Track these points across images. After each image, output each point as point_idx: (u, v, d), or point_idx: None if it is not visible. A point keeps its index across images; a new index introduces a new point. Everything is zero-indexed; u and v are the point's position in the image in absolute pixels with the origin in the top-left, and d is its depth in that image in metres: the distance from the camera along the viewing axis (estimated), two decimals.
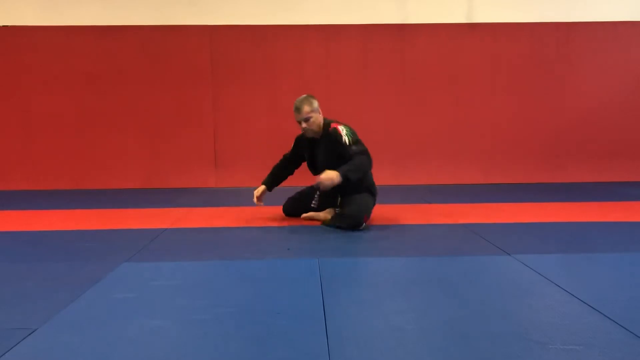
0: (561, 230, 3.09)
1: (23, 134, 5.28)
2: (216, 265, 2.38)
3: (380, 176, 5.31)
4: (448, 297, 1.91)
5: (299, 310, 1.76)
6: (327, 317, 1.69)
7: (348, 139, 3.09)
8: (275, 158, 3.57)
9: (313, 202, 3.41)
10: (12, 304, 1.86)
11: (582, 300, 1.83)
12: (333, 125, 3.19)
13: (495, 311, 1.75)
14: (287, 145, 3.52)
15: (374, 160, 3.15)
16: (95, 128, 5.31)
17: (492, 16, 5.37)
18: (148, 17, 5.25)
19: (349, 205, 3.09)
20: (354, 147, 3.07)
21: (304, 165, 3.45)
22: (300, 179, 3.63)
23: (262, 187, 3.44)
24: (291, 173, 3.53)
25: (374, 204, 3.25)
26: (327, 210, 3.30)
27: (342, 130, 3.12)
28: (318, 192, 3.35)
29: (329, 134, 3.17)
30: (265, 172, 3.53)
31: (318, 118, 3.21)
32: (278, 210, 3.60)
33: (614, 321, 1.64)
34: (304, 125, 3.19)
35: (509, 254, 2.48)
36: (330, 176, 2.96)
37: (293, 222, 3.35)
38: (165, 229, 3.16)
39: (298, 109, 3.19)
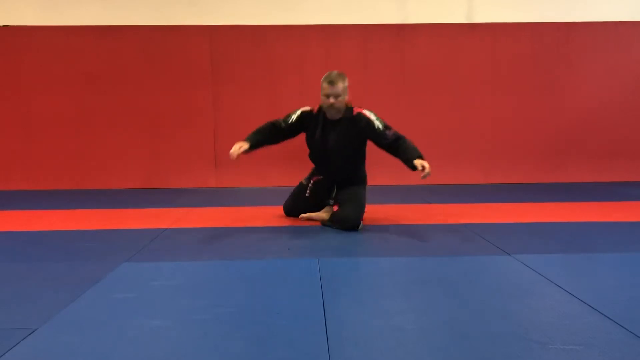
0: (561, 230, 3.09)
1: (23, 134, 5.28)
2: (216, 265, 2.38)
3: (380, 176, 5.33)
4: (448, 297, 1.91)
5: (299, 310, 1.76)
6: (327, 317, 1.69)
7: (380, 124, 3.01)
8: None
9: (307, 191, 3.29)
10: (12, 304, 1.86)
11: (582, 300, 1.83)
12: (357, 109, 3.06)
13: (495, 311, 1.75)
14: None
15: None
16: (95, 128, 5.31)
17: (492, 16, 5.37)
18: (148, 17, 5.25)
19: (346, 207, 3.07)
20: (389, 132, 3.00)
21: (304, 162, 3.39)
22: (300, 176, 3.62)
23: (246, 144, 3.03)
24: (276, 143, 3.24)
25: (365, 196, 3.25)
26: (326, 209, 3.29)
27: (371, 115, 3.03)
28: (312, 182, 3.29)
29: (353, 119, 3.04)
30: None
31: (345, 98, 3.05)
32: (278, 210, 3.60)
33: (614, 321, 1.64)
34: (331, 100, 2.98)
35: (509, 254, 2.48)
36: (427, 164, 2.85)
37: (293, 222, 3.34)
38: (165, 229, 3.16)
39: (332, 82, 2.97)
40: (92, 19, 5.22)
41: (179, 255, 2.55)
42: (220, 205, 4.18)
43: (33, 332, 1.59)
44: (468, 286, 2.03)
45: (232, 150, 2.95)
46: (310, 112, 3.15)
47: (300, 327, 1.62)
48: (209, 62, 5.30)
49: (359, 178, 3.23)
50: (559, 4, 5.37)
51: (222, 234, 3.03)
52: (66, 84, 5.25)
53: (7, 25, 5.19)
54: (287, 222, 3.36)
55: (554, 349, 1.45)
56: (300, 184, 3.41)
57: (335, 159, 3.17)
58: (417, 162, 2.89)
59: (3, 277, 2.20)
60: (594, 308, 1.75)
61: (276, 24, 5.28)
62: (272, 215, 3.56)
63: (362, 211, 3.10)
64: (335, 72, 3.04)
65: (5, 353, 1.45)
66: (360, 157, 3.26)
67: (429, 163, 2.90)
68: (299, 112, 3.15)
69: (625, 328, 1.58)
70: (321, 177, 3.28)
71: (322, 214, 3.29)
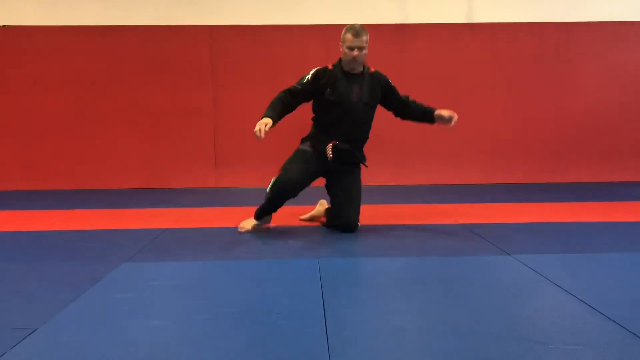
0: (561, 230, 3.09)
1: (23, 134, 5.28)
2: (216, 265, 2.38)
3: (381, 176, 5.34)
4: (448, 297, 1.91)
5: (299, 310, 1.76)
6: (327, 317, 1.69)
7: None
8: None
9: (329, 154, 2.99)
10: (12, 304, 1.86)
11: (582, 300, 1.83)
12: (372, 68, 3.07)
13: (495, 311, 1.75)
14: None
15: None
16: (95, 128, 5.30)
17: (492, 16, 5.36)
18: (148, 17, 5.25)
19: (345, 209, 3.03)
20: (398, 93, 3.12)
21: None
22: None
23: (270, 120, 2.78)
24: (293, 109, 3.02)
25: None
26: (320, 202, 3.32)
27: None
28: (331, 146, 2.99)
29: (374, 75, 3.03)
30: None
31: (366, 52, 2.95)
32: (278, 210, 3.59)
33: (614, 321, 1.64)
34: (356, 53, 2.87)
35: (509, 254, 2.48)
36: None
37: (293, 222, 3.34)
38: (165, 229, 3.16)
39: (358, 34, 2.86)
40: (92, 19, 5.22)
41: (179, 255, 2.55)
42: (220, 205, 4.18)
43: (33, 332, 1.59)
44: (468, 286, 2.03)
45: (256, 129, 2.70)
46: (325, 68, 2.99)
47: (300, 327, 1.62)
48: (209, 62, 5.30)
49: (362, 156, 3.15)
50: (559, 4, 5.37)
51: (222, 234, 3.03)
52: (66, 84, 5.25)
53: (6, 25, 5.19)
54: (287, 222, 3.36)
55: (554, 349, 1.45)
56: (302, 151, 3.08)
57: (359, 116, 3.01)
58: (441, 111, 3.02)
59: (3, 277, 2.20)
60: (594, 308, 1.75)
61: (276, 24, 5.28)
62: (271, 215, 3.55)
63: (359, 211, 3.09)
64: (357, 24, 2.96)
65: (5, 353, 1.45)
66: (371, 121, 3.16)
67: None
68: (313, 71, 2.97)
69: (625, 328, 1.58)
70: (336, 142, 3.02)
71: (320, 209, 3.30)
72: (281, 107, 2.90)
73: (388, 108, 3.20)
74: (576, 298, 1.86)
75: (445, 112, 3.04)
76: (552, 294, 1.93)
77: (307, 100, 3.04)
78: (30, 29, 5.19)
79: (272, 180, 3.00)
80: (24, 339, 1.54)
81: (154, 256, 2.53)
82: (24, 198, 4.67)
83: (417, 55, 5.35)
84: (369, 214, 3.37)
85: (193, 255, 2.55)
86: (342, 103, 2.95)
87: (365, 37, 2.90)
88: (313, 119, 3.14)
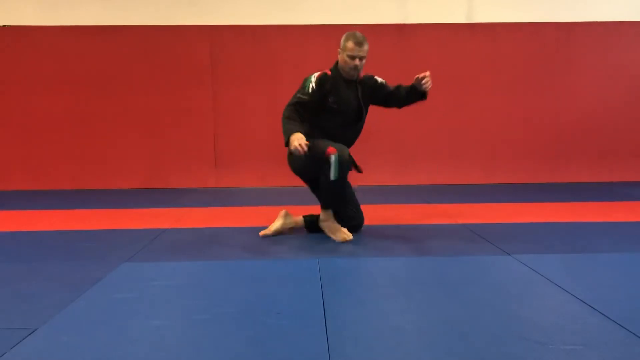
0: (561, 230, 3.09)
1: (23, 134, 5.28)
2: (216, 265, 2.38)
3: (381, 176, 5.34)
4: (448, 297, 1.91)
5: (299, 310, 1.76)
6: (327, 317, 1.70)
7: (379, 79, 3.09)
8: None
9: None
10: (12, 304, 1.86)
11: (582, 300, 1.83)
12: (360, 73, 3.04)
13: (495, 311, 1.75)
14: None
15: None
16: (95, 128, 5.30)
17: (492, 16, 5.36)
18: (148, 17, 5.25)
19: (351, 211, 3.00)
20: (389, 86, 3.08)
21: None
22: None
23: (301, 134, 2.63)
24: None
25: None
26: (281, 213, 3.06)
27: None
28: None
29: (364, 80, 3.02)
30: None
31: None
32: (278, 210, 3.59)
33: (614, 321, 1.64)
34: (357, 62, 2.84)
35: (509, 254, 2.48)
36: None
37: None
38: (165, 229, 3.16)
39: (360, 43, 2.83)
40: (92, 19, 5.22)
41: (179, 255, 2.55)
42: (220, 205, 4.18)
43: (33, 332, 1.59)
44: (468, 286, 2.03)
45: (295, 146, 2.55)
46: (325, 74, 2.90)
47: (300, 327, 1.62)
48: (209, 62, 5.30)
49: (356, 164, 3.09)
50: (559, 4, 5.36)
51: (222, 234, 3.03)
52: (66, 84, 5.25)
53: (6, 25, 5.19)
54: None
55: (554, 349, 1.45)
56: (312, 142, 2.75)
57: (356, 122, 3.01)
58: (418, 76, 2.95)
59: (3, 277, 2.20)
60: (594, 308, 1.75)
61: (276, 24, 5.28)
62: (272, 215, 3.55)
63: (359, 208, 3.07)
64: (358, 32, 2.91)
65: (5, 353, 1.45)
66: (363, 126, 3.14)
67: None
68: (314, 79, 2.85)
69: (625, 328, 1.58)
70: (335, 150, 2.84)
71: (288, 221, 3.03)
72: (300, 121, 2.77)
73: (385, 105, 3.18)
74: (576, 298, 1.86)
75: (420, 76, 2.97)
76: (552, 294, 1.93)
77: (316, 106, 2.90)
78: (30, 29, 5.19)
79: (333, 160, 2.65)
80: (24, 339, 1.54)
81: (154, 256, 2.53)
82: (24, 198, 4.68)
83: (417, 55, 5.35)
84: (369, 213, 3.37)
85: (193, 255, 2.55)
86: (343, 111, 2.92)
87: (366, 47, 2.87)
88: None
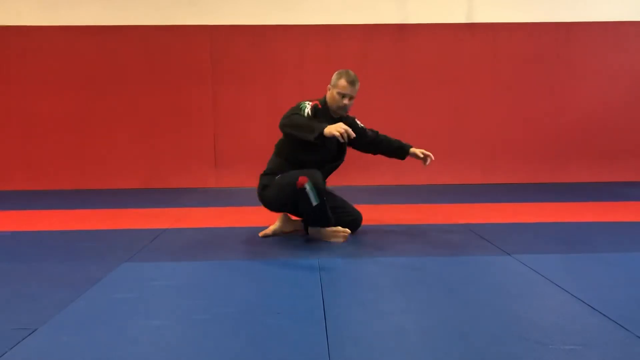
0: (561, 230, 3.09)
1: (23, 134, 5.28)
2: (216, 265, 2.38)
3: (381, 176, 5.34)
4: (448, 297, 1.91)
5: (299, 310, 1.76)
6: (327, 317, 1.70)
7: (360, 123, 3.08)
8: None
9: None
10: (12, 304, 1.86)
11: (582, 300, 1.83)
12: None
13: (495, 311, 1.75)
14: None
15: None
16: (95, 128, 5.30)
17: (492, 16, 5.37)
18: (148, 17, 5.25)
19: (346, 211, 3.02)
20: (368, 131, 3.08)
21: None
22: None
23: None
24: None
25: None
26: (280, 217, 3.04)
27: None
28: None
29: (348, 120, 2.96)
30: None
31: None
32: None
33: (614, 321, 1.64)
34: (346, 102, 2.80)
35: (509, 254, 2.48)
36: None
37: None
38: (165, 229, 3.16)
39: (353, 82, 2.80)
40: (92, 19, 5.22)
41: (179, 255, 2.55)
42: (220, 205, 4.18)
43: (33, 332, 1.59)
44: (468, 286, 2.03)
45: (342, 132, 2.51)
46: (317, 106, 2.87)
47: (300, 327, 1.62)
48: (209, 62, 5.30)
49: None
50: (559, 4, 5.37)
51: (222, 234, 3.03)
52: (66, 84, 5.25)
53: (6, 25, 5.19)
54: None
55: (554, 349, 1.45)
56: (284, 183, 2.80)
57: (335, 159, 3.02)
58: (416, 150, 3.01)
59: (3, 277, 2.20)
60: (594, 308, 1.75)
61: (276, 24, 5.28)
62: (272, 215, 3.55)
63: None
64: (351, 71, 2.87)
65: (5, 353, 1.45)
66: None
67: (429, 163, 2.89)
68: (308, 107, 2.80)
69: (625, 328, 1.58)
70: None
71: (283, 224, 3.03)
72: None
73: (358, 148, 3.13)
74: (576, 298, 1.86)
75: (420, 152, 3.04)
76: (552, 294, 1.93)
77: None
78: (29, 29, 5.19)
79: (308, 189, 2.68)
80: (24, 339, 1.54)
81: (154, 256, 2.53)
82: (24, 198, 4.68)
83: (417, 55, 5.35)
84: (369, 214, 3.37)
85: (193, 255, 2.55)
86: (326, 147, 2.87)
87: (357, 87, 2.84)
88: (280, 151, 2.97)
